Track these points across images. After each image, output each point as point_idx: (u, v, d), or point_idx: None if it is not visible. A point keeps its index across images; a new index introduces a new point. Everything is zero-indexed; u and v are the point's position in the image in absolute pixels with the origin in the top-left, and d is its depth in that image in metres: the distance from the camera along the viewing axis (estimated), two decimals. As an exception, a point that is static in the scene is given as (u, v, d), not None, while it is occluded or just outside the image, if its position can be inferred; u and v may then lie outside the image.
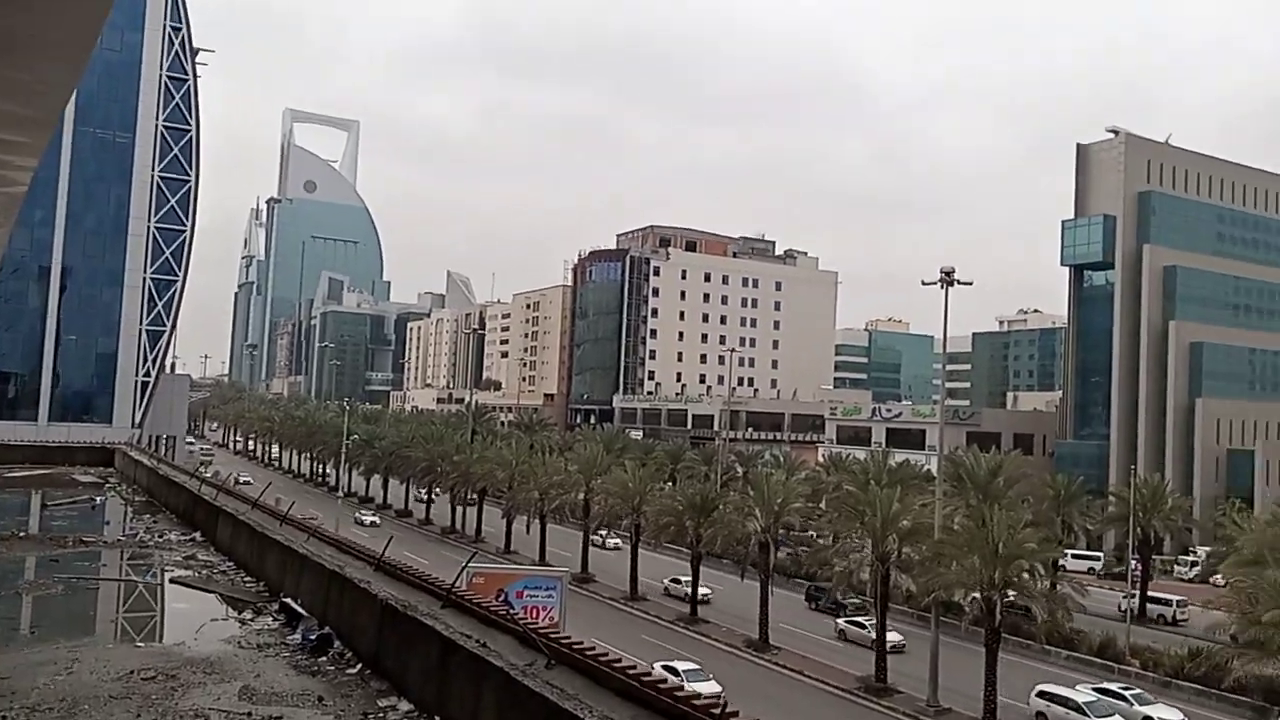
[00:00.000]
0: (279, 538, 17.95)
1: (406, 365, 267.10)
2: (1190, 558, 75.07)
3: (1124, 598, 55.11)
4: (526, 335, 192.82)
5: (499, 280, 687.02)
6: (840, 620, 52.82)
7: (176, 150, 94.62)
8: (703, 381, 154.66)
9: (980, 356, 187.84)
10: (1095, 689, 40.53)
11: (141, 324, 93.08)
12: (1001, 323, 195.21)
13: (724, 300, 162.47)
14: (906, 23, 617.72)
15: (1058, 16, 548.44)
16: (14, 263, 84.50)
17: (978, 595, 38.77)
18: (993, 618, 38.39)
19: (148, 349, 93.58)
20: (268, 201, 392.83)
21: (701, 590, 56.44)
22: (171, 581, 18.28)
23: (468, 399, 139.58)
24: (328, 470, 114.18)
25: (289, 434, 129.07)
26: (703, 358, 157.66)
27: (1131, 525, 58.65)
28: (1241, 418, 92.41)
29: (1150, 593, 61.12)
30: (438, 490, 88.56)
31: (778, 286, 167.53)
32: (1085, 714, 37.89)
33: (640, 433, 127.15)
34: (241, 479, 73.44)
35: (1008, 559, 37.94)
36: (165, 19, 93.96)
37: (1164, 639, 50.06)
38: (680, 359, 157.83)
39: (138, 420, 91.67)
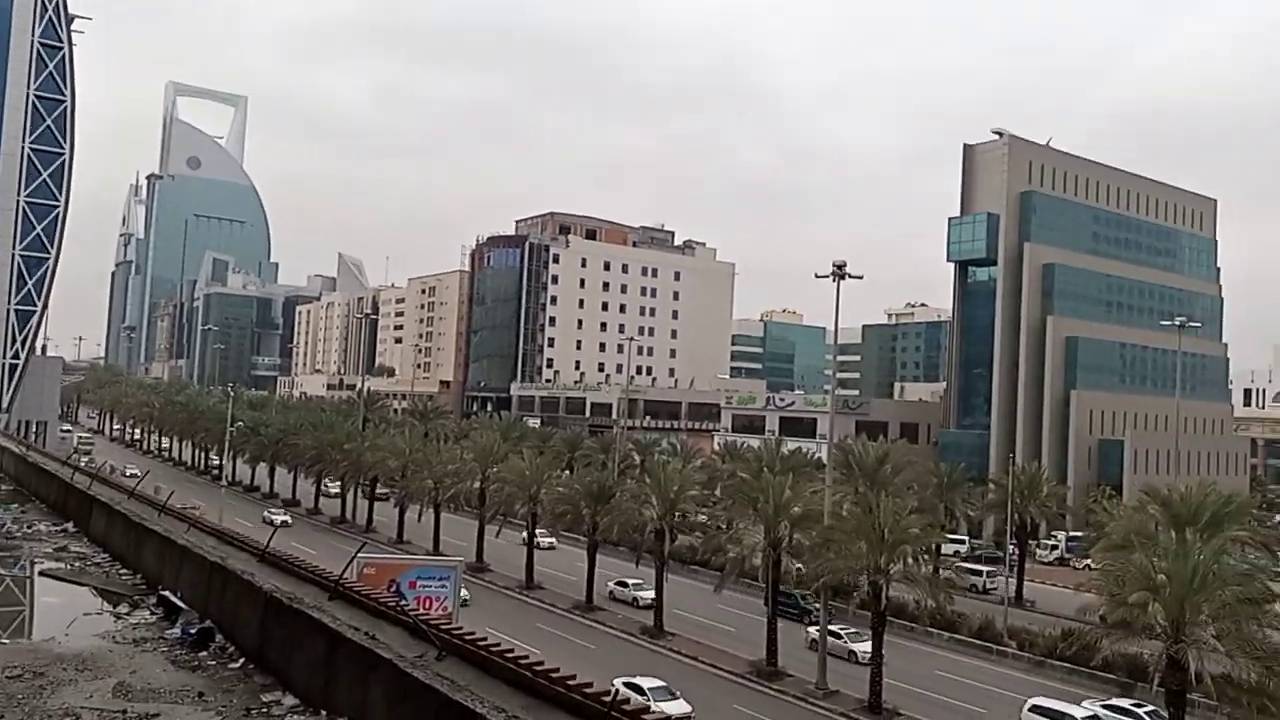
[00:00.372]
0: (157, 528, 17.28)
1: (295, 350, 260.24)
2: (1050, 542, 78.63)
3: (985, 578, 58.91)
4: (422, 321, 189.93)
5: (393, 265, 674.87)
6: (811, 630, 47.76)
7: (50, 121, 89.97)
8: (601, 370, 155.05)
9: (870, 348, 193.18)
10: (1104, 705, 38.21)
11: (9, 303, 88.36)
12: (890, 316, 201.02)
13: (623, 289, 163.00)
14: (808, 25, 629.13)
15: (949, 25, 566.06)
16: None
17: (865, 579, 39.86)
18: (879, 601, 39.57)
19: (16, 330, 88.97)
20: (148, 178, 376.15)
21: (647, 594, 53.34)
22: (41, 574, 17.41)
23: (359, 385, 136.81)
24: (212, 459, 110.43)
25: (170, 420, 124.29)
26: (601, 346, 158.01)
27: (1010, 511, 61.18)
28: (1113, 409, 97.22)
29: (968, 564, 65.25)
30: (329, 480, 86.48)
31: (676, 276, 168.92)
32: None
33: (538, 421, 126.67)
34: (128, 471, 69.94)
35: (893, 544, 39.13)
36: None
37: (1040, 621, 52.36)
38: (579, 347, 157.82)
39: (5, 405, 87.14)
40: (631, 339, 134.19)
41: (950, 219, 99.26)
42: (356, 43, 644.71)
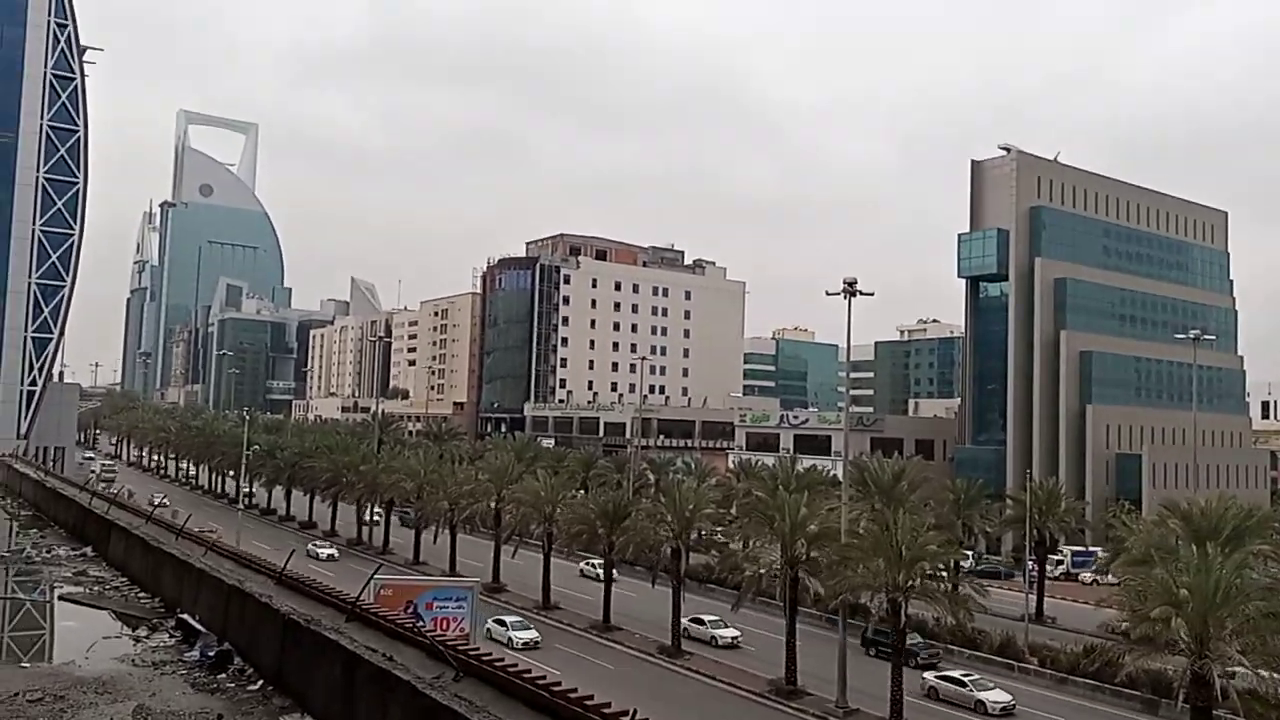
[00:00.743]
0: (175, 552, 17.33)
1: (309, 374, 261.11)
2: (1056, 557, 77.64)
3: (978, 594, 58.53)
4: (435, 343, 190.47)
5: (405, 288, 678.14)
6: (928, 676, 44.15)
7: (63, 151, 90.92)
8: (614, 389, 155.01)
9: (883, 365, 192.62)
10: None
11: (27, 331, 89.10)
12: (902, 332, 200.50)
13: (634, 309, 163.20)
14: (804, 42, 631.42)
15: (948, 42, 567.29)
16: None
17: (883, 597, 39.57)
18: (898, 619, 39.26)
19: (33, 357, 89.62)
20: (161, 205, 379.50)
21: (728, 633, 51.53)
22: (60, 599, 17.47)
23: (374, 408, 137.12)
24: (227, 482, 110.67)
25: (186, 445, 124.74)
26: (614, 366, 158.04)
27: (1028, 527, 60.69)
28: (1129, 423, 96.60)
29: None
30: (345, 501, 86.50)
31: (687, 295, 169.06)
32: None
33: (552, 441, 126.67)
34: (157, 500, 69.22)
35: (911, 561, 38.85)
36: (50, 15, 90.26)
37: (1060, 637, 51.85)
38: (591, 367, 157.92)
39: (23, 431, 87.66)
40: (644, 358, 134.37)
41: (960, 235, 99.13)
42: (359, 67, 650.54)
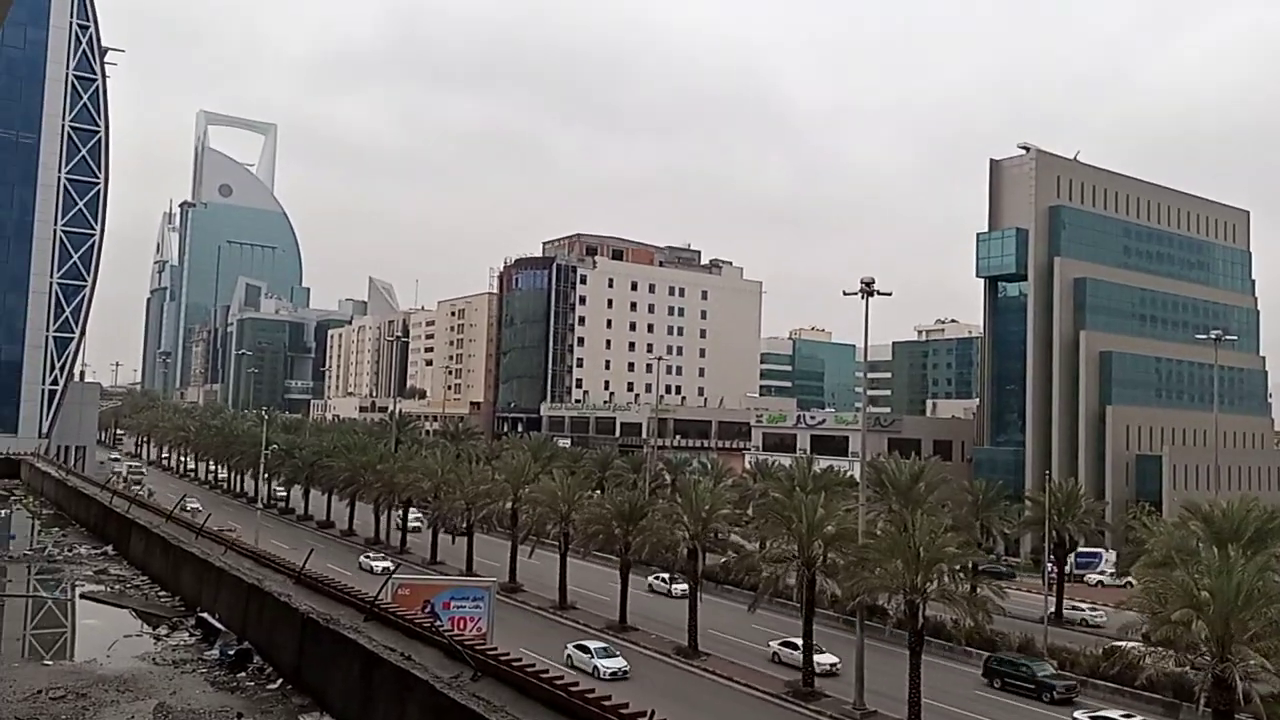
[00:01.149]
0: (195, 550, 17.41)
1: (327, 373, 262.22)
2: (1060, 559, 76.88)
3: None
4: (452, 343, 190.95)
5: (422, 288, 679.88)
6: (1080, 717, 39.25)
7: (84, 152, 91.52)
8: (630, 389, 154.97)
9: (900, 365, 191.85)
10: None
11: (48, 330, 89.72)
12: (920, 332, 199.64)
13: (651, 309, 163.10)
14: (819, 44, 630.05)
15: (962, 42, 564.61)
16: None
17: (901, 599, 39.41)
18: (916, 621, 39.07)
19: (55, 356, 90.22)
20: (181, 205, 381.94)
21: (826, 659, 45.83)
22: (82, 597, 17.58)
23: (391, 407, 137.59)
24: (246, 481, 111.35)
25: (205, 444, 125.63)
26: (630, 366, 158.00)
27: (1047, 529, 60.31)
28: (1149, 424, 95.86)
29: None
30: (363, 500, 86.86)
31: (704, 295, 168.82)
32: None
33: (568, 441, 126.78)
34: (189, 505, 69.79)
35: (930, 563, 38.67)
36: (72, 16, 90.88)
37: (1080, 639, 51.50)
38: (608, 367, 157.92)
39: (45, 430, 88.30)
40: (660, 358, 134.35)
41: (979, 235, 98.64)
42: (377, 70, 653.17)
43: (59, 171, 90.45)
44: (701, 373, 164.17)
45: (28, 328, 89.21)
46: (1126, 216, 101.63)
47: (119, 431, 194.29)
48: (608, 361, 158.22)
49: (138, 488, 64.59)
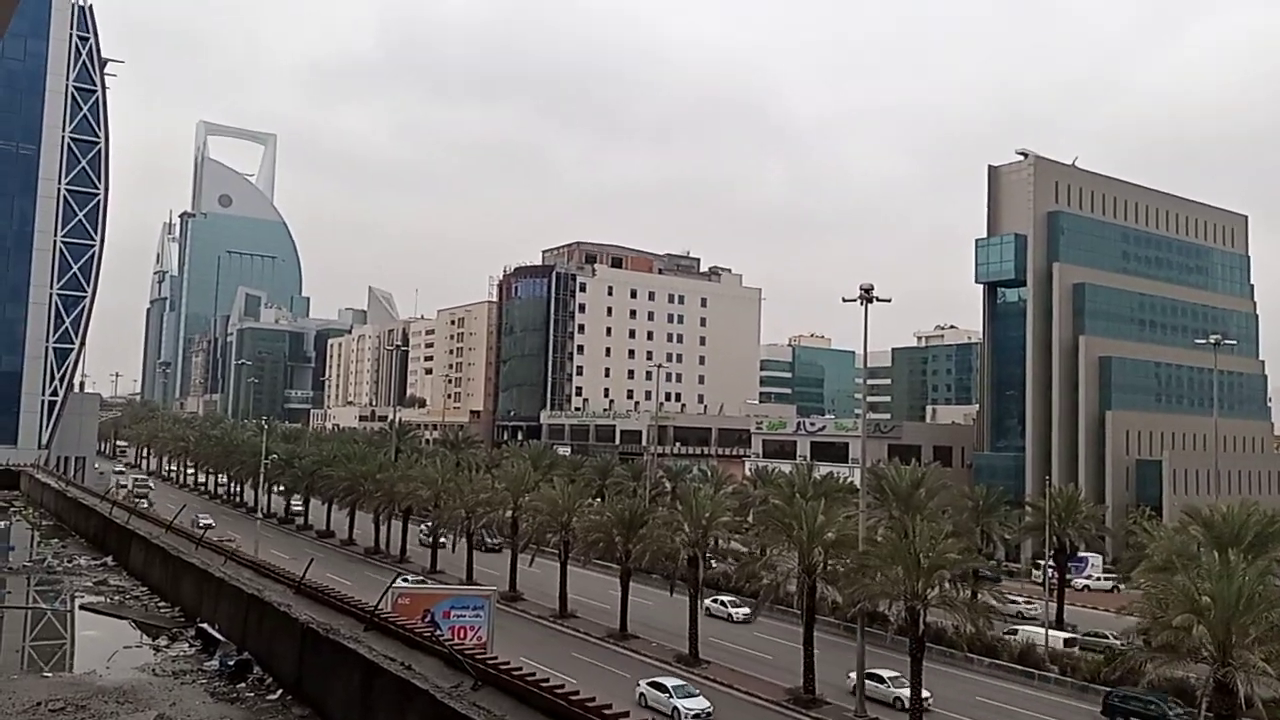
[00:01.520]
0: (195, 561, 17.41)
1: (327, 383, 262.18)
2: (1047, 564, 76.60)
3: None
4: (451, 352, 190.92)
5: (422, 297, 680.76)
6: None
7: (84, 163, 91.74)
8: (630, 397, 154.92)
9: (900, 371, 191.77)
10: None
11: (48, 341, 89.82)
12: (920, 338, 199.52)
13: (650, 316, 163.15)
14: (818, 53, 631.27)
15: (959, 49, 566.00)
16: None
17: (902, 605, 39.38)
18: (916, 627, 39.04)
19: (54, 367, 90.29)
20: (181, 215, 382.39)
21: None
22: (81, 608, 17.57)
23: (391, 416, 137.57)
24: (246, 491, 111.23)
25: (205, 454, 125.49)
26: (630, 373, 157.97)
27: (1048, 534, 60.28)
28: (1149, 428, 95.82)
29: None
30: (362, 509, 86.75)
31: (703, 303, 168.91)
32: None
33: (568, 449, 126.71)
34: (201, 521, 69.68)
35: (930, 569, 38.66)
36: (71, 28, 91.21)
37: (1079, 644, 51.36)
38: (607, 375, 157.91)
39: (44, 441, 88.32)
40: (660, 366, 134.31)
41: (977, 240, 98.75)
42: (376, 81, 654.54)
43: (59, 182, 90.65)
44: (701, 380, 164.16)
45: (27, 338, 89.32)
46: (1125, 221, 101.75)
47: (119, 442, 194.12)
48: (607, 369, 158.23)
49: (144, 503, 64.30)
